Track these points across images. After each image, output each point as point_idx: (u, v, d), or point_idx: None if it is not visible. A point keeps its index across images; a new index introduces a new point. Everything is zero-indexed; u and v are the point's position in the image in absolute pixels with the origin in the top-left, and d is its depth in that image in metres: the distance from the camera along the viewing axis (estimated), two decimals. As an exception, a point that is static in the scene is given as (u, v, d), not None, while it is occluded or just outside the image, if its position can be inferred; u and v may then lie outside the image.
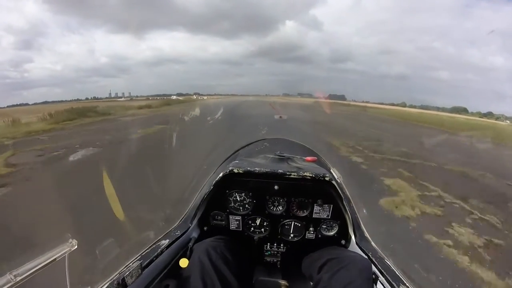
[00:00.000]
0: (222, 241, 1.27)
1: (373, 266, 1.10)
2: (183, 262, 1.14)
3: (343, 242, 1.37)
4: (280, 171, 1.30)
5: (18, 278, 0.66)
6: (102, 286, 0.85)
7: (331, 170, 1.56)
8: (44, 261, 0.73)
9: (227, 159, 1.79)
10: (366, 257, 1.18)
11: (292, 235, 1.40)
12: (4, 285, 0.64)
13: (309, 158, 1.47)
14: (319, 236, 1.38)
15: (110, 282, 0.86)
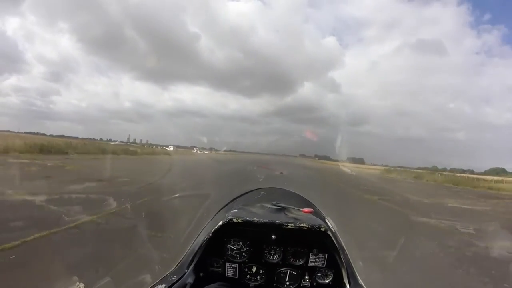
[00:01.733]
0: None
1: None
2: None
3: None
4: (278, 221, 1.36)
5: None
6: None
7: (326, 220, 1.62)
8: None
9: (224, 207, 1.84)
10: None
11: (287, 283, 1.40)
12: None
13: (306, 209, 1.55)
14: (314, 284, 1.39)
15: None
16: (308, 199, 2.00)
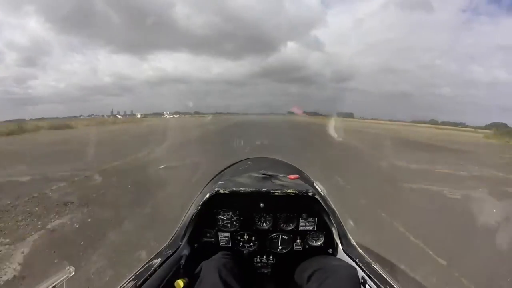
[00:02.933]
0: (229, 257, 1.34)
1: (361, 271, 1.16)
2: (180, 283, 1.17)
3: (330, 251, 1.43)
4: (264, 189, 1.37)
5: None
6: None
7: (315, 184, 1.65)
8: (44, 289, 0.78)
9: (212, 179, 1.85)
10: (353, 263, 1.24)
11: (280, 247, 1.46)
12: None
13: (291, 176, 1.56)
14: (307, 246, 1.44)
15: None
16: (296, 166, 2.02)
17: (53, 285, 0.81)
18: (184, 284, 1.20)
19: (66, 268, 0.86)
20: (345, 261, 1.30)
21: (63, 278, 0.84)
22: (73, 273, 0.86)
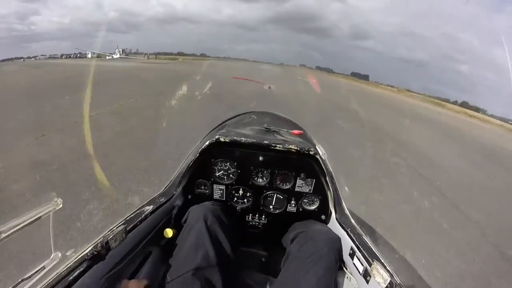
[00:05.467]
0: (218, 206, 1.32)
1: (350, 242, 1.17)
2: (167, 233, 1.17)
3: (323, 217, 1.43)
4: (265, 142, 1.32)
5: (3, 235, 0.66)
6: (86, 249, 0.85)
7: (317, 146, 1.61)
8: (29, 219, 0.72)
9: (214, 129, 1.78)
10: (345, 233, 1.23)
11: (274, 207, 1.45)
12: None
13: (295, 131, 1.50)
14: (300, 209, 1.43)
15: (94, 245, 0.86)
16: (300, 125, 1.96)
17: (38, 215, 0.75)
18: (173, 234, 1.19)
19: (54, 200, 0.79)
20: (327, 227, 1.30)
21: (49, 209, 0.77)
22: (61, 205, 0.79)
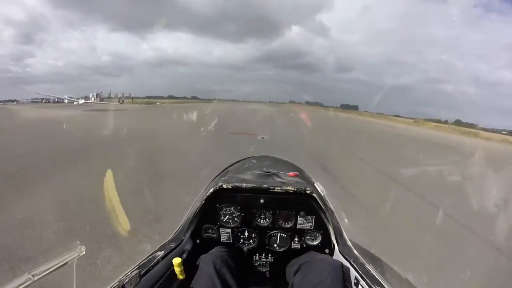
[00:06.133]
0: (224, 251, 1.40)
1: (354, 271, 1.20)
2: (177, 264, 1.22)
3: (327, 251, 1.46)
4: (265, 186, 1.44)
5: (36, 278, 0.77)
6: None
7: (315, 184, 1.70)
8: (57, 264, 0.84)
9: (217, 176, 1.91)
10: (348, 264, 1.27)
11: (278, 245, 1.50)
12: (23, 283, 0.75)
13: (291, 173, 1.63)
14: (304, 245, 1.48)
15: None
16: (298, 165, 2.08)
17: (64, 261, 0.86)
18: (181, 269, 1.24)
19: (78, 248, 0.91)
20: (330, 257, 1.34)
21: (74, 256, 0.89)
22: (84, 252, 0.91)
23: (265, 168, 1.69)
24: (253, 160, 2.12)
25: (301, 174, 1.74)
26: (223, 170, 1.97)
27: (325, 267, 1.20)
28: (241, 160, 2.18)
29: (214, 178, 1.84)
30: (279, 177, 1.61)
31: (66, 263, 0.86)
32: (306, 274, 1.19)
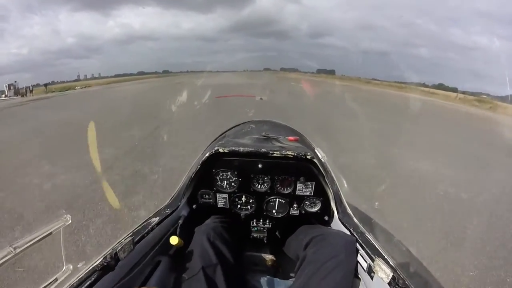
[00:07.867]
0: (218, 221, 1.37)
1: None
2: (173, 240, 1.20)
3: (326, 218, 1.44)
4: (263, 150, 1.36)
5: (18, 250, 0.72)
6: (96, 261, 0.88)
7: (316, 150, 1.63)
8: (41, 235, 0.78)
9: (214, 140, 1.83)
10: (347, 232, 1.25)
11: (276, 211, 1.47)
12: (5, 256, 0.70)
13: (291, 137, 1.54)
14: (303, 212, 1.45)
15: (103, 256, 0.89)
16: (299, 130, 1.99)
17: (49, 231, 0.81)
18: (178, 242, 1.23)
19: (63, 217, 0.85)
20: (343, 231, 1.30)
21: (59, 225, 0.83)
22: (70, 221, 0.85)
23: (264, 133, 1.59)
24: (252, 125, 2.02)
25: (301, 139, 1.66)
26: (221, 135, 1.87)
27: (339, 240, 1.17)
28: (239, 124, 2.08)
29: (211, 142, 1.74)
30: (279, 141, 1.53)
31: (51, 233, 0.80)
32: (320, 247, 1.16)
